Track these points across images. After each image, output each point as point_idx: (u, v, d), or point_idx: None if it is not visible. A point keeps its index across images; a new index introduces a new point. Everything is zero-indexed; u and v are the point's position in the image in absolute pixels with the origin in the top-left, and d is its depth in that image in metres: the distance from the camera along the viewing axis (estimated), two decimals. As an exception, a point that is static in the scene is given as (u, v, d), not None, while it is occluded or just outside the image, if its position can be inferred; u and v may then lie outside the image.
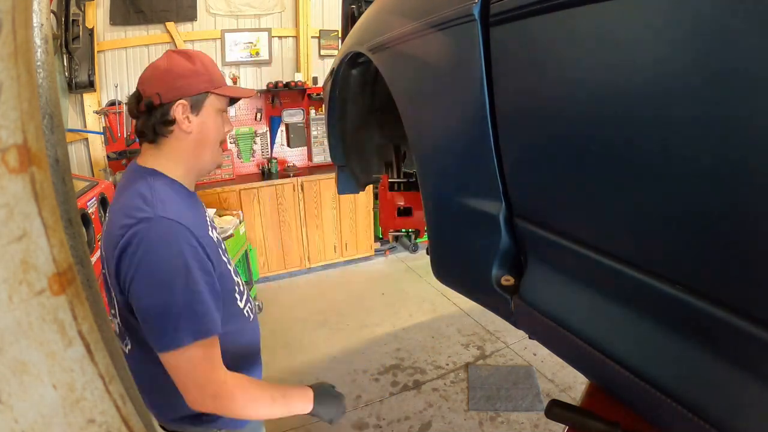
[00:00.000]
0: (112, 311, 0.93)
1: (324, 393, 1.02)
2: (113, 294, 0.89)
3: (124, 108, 3.64)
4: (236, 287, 1.01)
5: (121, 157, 3.67)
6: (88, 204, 2.39)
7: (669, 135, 0.38)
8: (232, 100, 1.00)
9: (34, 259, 0.31)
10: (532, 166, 0.58)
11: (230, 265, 1.03)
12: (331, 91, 1.45)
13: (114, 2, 3.46)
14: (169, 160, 0.92)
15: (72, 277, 0.35)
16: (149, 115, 0.88)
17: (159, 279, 0.80)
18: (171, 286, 0.79)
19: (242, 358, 1.00)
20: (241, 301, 1.02)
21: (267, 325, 3.32)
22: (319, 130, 4.20)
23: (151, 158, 0.93)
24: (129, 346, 0.94)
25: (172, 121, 0.89)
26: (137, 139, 0.95)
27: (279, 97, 4.14)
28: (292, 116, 4.15)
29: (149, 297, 0.80)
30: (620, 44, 0.41)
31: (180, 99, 0.88)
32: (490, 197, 0.66)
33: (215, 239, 0.98)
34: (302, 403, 0.98)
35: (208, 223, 1.00)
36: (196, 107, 0.91)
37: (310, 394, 0.99)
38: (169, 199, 0.86)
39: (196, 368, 0.80)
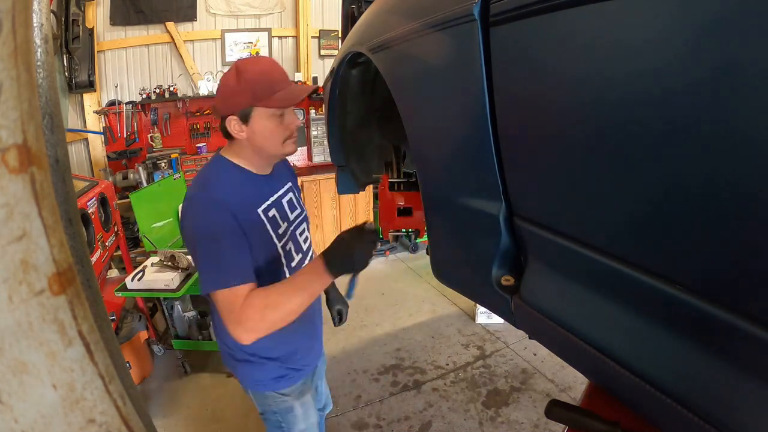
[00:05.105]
0: None
1: (333, 249, 0.96)
2: None
3: (124, 108, 3.64)
4: (284, 260, 1.16)
5: (120, 157, 3.67)
6: (88, 204, 2.38)
7: (669, 135, 0.38)
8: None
9: (34, 259, 0.31)
10: (532, 166, 0.58)
11: (282, 239, 1.15)
12: (331, 91, 1.45)
13: (114, 2, 3.46)
14: (236, 153, 1.13)
15: (72, 277, 0.35)
16: (220, 123, 1.09)
17: (193, 240, 1.01)
18: (198, 246, 1.00)
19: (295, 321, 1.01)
20: (289, 272, 1.17)
21: (267, 325, 3.31)
22: (319, 130, 4.20)
23: (226, 148, 1.16)
24: None
25: (229, 132, 1.08)
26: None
27: (279, 97, 4.13)
28: (292, 116, 4.15)
29: (191, 253, 1.04)
30: (620, 44, 0.41)
31: (230, 115, 1.05)
32: (490, 197, 0.66)
33: (267, 216, 1.13)
34: (315, 276, 0.95)
35: (267, 203, 1.15)
36: (244, 119, 1.05)
37: (319, 262, 0.95)
38: (221, 180, 1.09)
39: (222, 308, 0.98)
